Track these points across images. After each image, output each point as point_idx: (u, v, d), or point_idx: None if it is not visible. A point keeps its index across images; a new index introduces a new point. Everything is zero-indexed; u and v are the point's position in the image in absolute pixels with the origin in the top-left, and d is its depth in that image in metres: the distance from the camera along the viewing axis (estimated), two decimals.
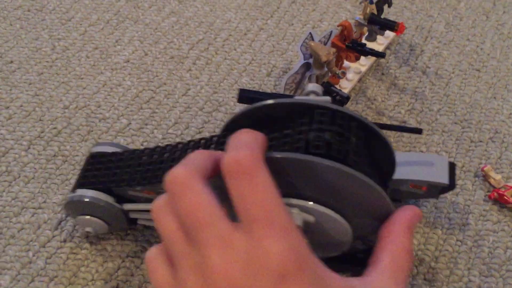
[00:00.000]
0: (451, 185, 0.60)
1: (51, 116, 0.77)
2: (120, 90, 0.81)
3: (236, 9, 0.94)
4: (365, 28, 0.83)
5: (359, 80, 0.82)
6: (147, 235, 0.65)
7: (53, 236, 0.64)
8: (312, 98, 0.55)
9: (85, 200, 0.59)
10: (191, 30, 0.90)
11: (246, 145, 0.42)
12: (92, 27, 0.90)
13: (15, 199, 0.68)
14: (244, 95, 0.63)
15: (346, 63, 0.81)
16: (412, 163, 0.62)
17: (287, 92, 0.75)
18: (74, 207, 0.60)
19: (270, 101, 0.50)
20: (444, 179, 0.60)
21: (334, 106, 0.49)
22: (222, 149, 0.51)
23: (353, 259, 0.57)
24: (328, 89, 0.71)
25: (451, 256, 0.63)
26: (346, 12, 0.94)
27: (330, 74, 0.76)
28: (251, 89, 0.82)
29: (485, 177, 0.70)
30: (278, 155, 0.45)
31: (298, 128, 0.49)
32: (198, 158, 0.43)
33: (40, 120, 0.76)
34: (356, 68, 0.82)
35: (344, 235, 0.51)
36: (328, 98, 0.54)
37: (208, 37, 0.89)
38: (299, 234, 0.39)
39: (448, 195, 0.69)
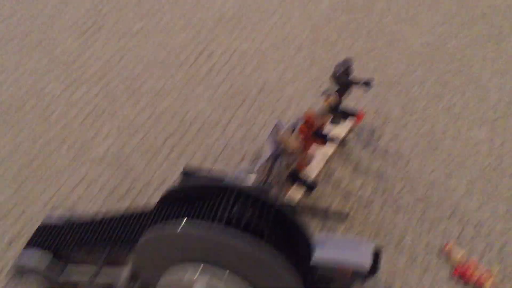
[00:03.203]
0: (373, 270, 0.62)
1: (31, 213, 0.79)
2: (96, 187, 0.84)
3: (208, 100, 1.00)
4: (327, 117, 0.89)
5: (326, 163, 0.87)
6: None
7: None
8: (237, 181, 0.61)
9: (27, 262, 0.63)
10: (165, 122, 0.95)
11: None
12: (72, 121, 0.94)
13: None
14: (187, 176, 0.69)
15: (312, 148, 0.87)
16: (338, 247, 0.64)
17: (260, 179, 0.80)
18: (18, 270, 0.65)
19: (197, 182, 0.56)
20: (366, 264, 0.61)
21: (258, 192, 0.55)
22: (155, 223, 0.57)
23: None
24: (296, 176, 0.76)
25: None
26: (311, 99, 1.00)
27: (297, 160, 0.81)
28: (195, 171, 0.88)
29: (448, 255, 0.74)
30: (196, 230, 0.50)
31: (224, 204, 0.54)
32: None
33: (20, 217, 0.79)
34: (323, 153, 0.87)
35: None
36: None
37: (181, 128, 0.94)
38: None
39: (415, 275, 0.72)
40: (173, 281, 0.54)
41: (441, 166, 0.87)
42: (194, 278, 0.52)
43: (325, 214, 0.66)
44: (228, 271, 0.52)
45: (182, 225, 0.51)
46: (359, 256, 0.65)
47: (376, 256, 0.66)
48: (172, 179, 0.85)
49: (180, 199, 0.58)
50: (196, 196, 0.57)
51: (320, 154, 0.87)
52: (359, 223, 0.79)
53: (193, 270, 0.53)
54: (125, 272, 0.61)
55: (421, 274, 0.72)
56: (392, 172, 0.86)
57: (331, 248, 0.66)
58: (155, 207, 0.61)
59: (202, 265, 0.53)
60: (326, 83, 1.02)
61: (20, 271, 0.65)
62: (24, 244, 0.75)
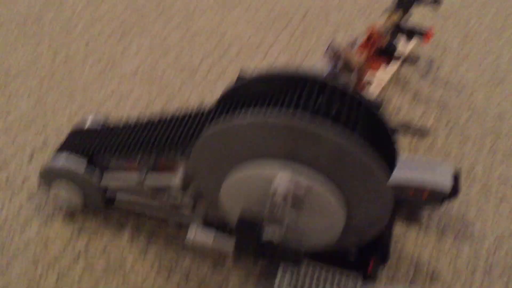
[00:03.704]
0: (454, 193, 0.57)
1: (55, 125, 0.70)
2: (129, 100, 0.75)
3: (246, 23, 0.91)
4: (388, 35, 0.80)
5: (381, 91, 0.79)
6: None
7: (64, 252, 0.56)
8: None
9: (65, 162, 0.55)
10: (201, 42, 0.86)
11: None
12: (96, 37, 0.85)
13: (19, 211, 0.59)
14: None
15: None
16: (414, 167, 0.58)
17: None
18: (52, 171, 0.56)
19: (275, 71, 0.47)
20: (447, 186, 0.56)
21: (342, 85, 0.47)
22: (218, 119, 0.48)
23: (344, 261, 0.52)
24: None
25: (504, 267, 0.58)
26: (360, 27, 0.92)
27: (356, 82, 0.72)
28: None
29: None
30: (273, 119, 0.41)
31: (306, 96, 0.45)
32: None
33: (43, 129, 0.69)
34: (379, 78, 0.78)
35: (337, 217, 0.45)
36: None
37: (219, 50, 0.85)
38: None
39: (490, 205, 0.65)
40: (244, 178, 0.45)
41: (509, 99, 0.79)
42: (274, 173, 0.43)
43: (407, 128, 0.58)
44: (311, 167, 0.44)
45: (256, 114, 0.42)
46: (439, 177, 0.58)
47: (456, 178, 0.58)
48: (212, 99, 0.76)
49: (249, 94, 0.49)
50: (268, 90, 0.48)
51: (376, 79, 0.78)
52: (424, 151, 0.71)
53: (271, 165, 0.44)
54: (177, 178, 0.51)
55: (496, 204, 0.65)
56: (456, 102, 0.78)
57: (409, 168, 0.59)
58: (216, 104, 0.52)
59: (281, 160, 0.44)
60: (375, 11, 0.93)
61: (51, 177, 0.56)
62: (51, 154, 0.66)
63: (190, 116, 0.53)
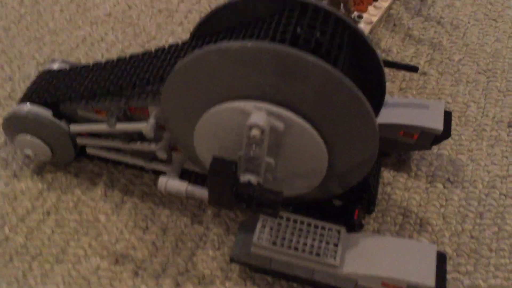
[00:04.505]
0: (446, 133, 0.53)
1: (23, 74, 0.65)
2: (103, 45, 0.70)
3: None
4: None
5: (371, 31, 0.74)
6: None
7: (33, 208, 0.53)
8: None
9: (27, 114, 0.50)
10: None
11: None
12: None
13: None
14: None
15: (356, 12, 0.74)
16: (404, 108, 0.55)
17: None
18: (14, 124, 0.52)
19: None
20: (439, 125, 0.53)
21: (328, 7, 0.42)
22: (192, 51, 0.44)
23: (328, 209, 0.50)
24: None
25: (497, 211, 0.56)
26: None
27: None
28: None
29: None
30: (251, 44, 0.37)
31: (285, 21, 0.41)
32: None
33: (10, 79, 0.65)
34: (367, 19, 0.74)
35: (318, 160, 0.42)
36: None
37: None
38: None
39: (484, 147, 0.62)
40: (218, 116, 0.41)
41: (503, 37, 0.75)
42: (250, 107, 0.39)
43: (395, 65, 0.54)
44: (290, 103, 0.40)
45: (230, 44, 0.38)
46: (430, 116, 0.54)
47: (448, 118, 0.55)
48: None
49: (224, 25, 0.45)
50: (244, 18, 0.44)
51: (365, 19, 0.73)
52: (415, 93, 0.67)
53: (247, 101, 0.40)
54: (149, 125, 0.47)
55: (489, 147, 0.62)
56: (449, 42, 0.74)
57: (399, 107, 0.55)
58: (189, 38, 0.47)
59: (257, 95, 0.40)
60: None
61: (14, 131, 0.52)
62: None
63: (161, 53, 0.49)
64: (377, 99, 0.48)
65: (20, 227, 0.52)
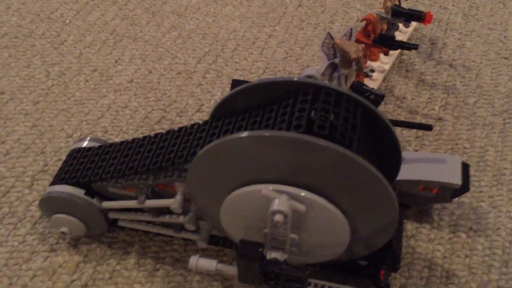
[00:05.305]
0: (465, 187, 0.55)
1: (54, 147, 0.69)
2: (127, 112, 0.73)
3: (240, 18, 0.88)
4: (385, 23, 0.77)
5: (384, 79, 0.76)
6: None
7: (72, 281, 0.56)
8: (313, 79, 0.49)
9: (61, 195, 0.53)
10: (195, 43, 0.84)
11: None
12: (88, 49, 0.83)
13: (23, 243, 0.59)
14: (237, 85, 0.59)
15: (368, 62, 0.76)
16: (422, 163, 0.56)
17: None
18: (49, 204, 0.55)
19: (264, 80, 0.45)
20: (457, 180, 0.54)
21: (339, 88, 0.44)
22: (213, 134, 0.47)
23: (355, 267, 0.51)
24: (360, 88, 0.65)
25: None
26: (357, 11, 0.88)
27: (356, 74, 0.70)
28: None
29: None
30: (268, 133, 0.40)
31: (299, 106, 0.43)
32: None
33: (42, 152, 0.68)
34: (380, 67, 0.76)
35: (341, 233, 0.44)
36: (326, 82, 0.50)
37: (214, 49, 0.83)
38: None
39: (504, 192, 0.62)
40: (242, 199, 0.44)
41: None
42: (272, 194, 0.41)
43: (408, 125, 0.56)
44: (309, 183, 0.42)
45: (248, 129, 0.40)
46: (448, 171, 0.55)
47: (466, 172, 0.56)
48: (209, 105, 0.74)
49: (240, 107, 0.48)
50: (259, 102, 0.47)
51: (377, 67, 0.75)
52: (432, 140, 0.68)
53: (266, 190, 0.42)
54: (176, 201, 0.50)
55: (509, 192, 0.62)
56: (462, 84, 0.75)
57: (417, 163, 0.57)
58: (209, 119, 0.50)
59: (273, 186, 0.42)
60: None
61: (49, 210, 0.55)
62: (51, 179, 0.65)
63: (184, 133, 0.52)
64: (393, 161, 0.49)
65: None
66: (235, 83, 0.58)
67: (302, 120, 0.42)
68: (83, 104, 0.74)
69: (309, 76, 0.52)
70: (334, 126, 0.42)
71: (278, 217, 0.39)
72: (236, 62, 0.80)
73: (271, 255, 0.42)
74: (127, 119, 0.72)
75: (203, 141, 0.48)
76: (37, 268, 0.57)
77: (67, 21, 0.87)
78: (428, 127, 0.55)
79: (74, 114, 0.73)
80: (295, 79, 0.45)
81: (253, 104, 0.47)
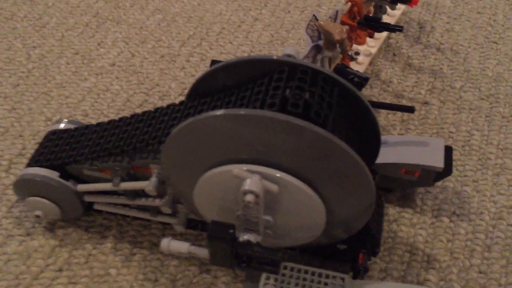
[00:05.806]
0: (447, 170, 0.54)
1: (33, 130, 0.67)
2: (108, 95, 0.72)
3: (226, 1, 0.86)
4: (371, 5, 0.76)
5: (370, 63, 0.75)
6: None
7: (46, 265, 0.55)
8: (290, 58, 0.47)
9: (34, 177, 0.52)
10: (180, 27, 0.82)
11: None
12: (70, 32, 0.81)
13: None
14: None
15: (354, 46, 0.74)
16: (405, 147, 0.55)
17: None
18: (23, 187, 0.54)
19: (242, 58, 0.44)
20: (439, 163, 0.53)
21: (316, 66, 0.43)
22: (188, 114, 0.46)
23: (335, 252, 0.50)
24: (344, 70, 0.64)
25: (505, 243, 0.56)
26: None
27: (341, 56, 0.68)
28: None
29: None
30: (243, 111, 0.38)
31: (274, 84, 0.42)
32: None
33: (20, 136, 0.67)
34: (366, 51, 0.74)
35: (316, 215, 0.43)
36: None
37: (199, 32, 0.81)
38: None
39: (489, 176, 0.61)
40: (214, 179, 0.42)
41: (505, 59, 0.75)
42: (244, 173, 0.40)
43: (390, 107, 0.55)
44: (283, 162, 0.41)
45: (221, 112, 0.39)
46: (430, 154, 0.54)
47: (449, 155, 0.55)
48: None
49: (217, 86, 0.47)
50: (236, 80, 0.45)
51: (364, 51, 0.74)
52: (417, 124, 0.67)
53: (238, 170, 0.41)
54: (151, 184, 0.49)
55: (494, 176, 0.61)
56: (449, 68, 0.74)
57: (399, 146, 0.56)
58: (186, 98, 0.49)
59: (247, 166, 0.41)
60: None
61: (24, 192, 0.54)
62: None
63: (160, 114, 0.50)
64: (373, 144, 0.48)
65: (35, 286, 0.53)
66: (214, 63, 0.56)
67: (276, 98, 0.40)
68: (64, 87, 0.73)
69: (288, 55, 0.51)
70: (309, 104, 0.41)
71: (249, 197, 0.38)
72: (221, 46, 0.79)
73: (244, 237, 0.41)
74: (108, 102, 0.71)
75: (178, 122, 0.47)
76: (12, 252, 0.56)
77: (50, 4, 0.86)
78: (410, 109, 0.54)
79: (54, 97, 0.72)
80: (274, 57, 0.44)
81: (231, 84, 0.46)
